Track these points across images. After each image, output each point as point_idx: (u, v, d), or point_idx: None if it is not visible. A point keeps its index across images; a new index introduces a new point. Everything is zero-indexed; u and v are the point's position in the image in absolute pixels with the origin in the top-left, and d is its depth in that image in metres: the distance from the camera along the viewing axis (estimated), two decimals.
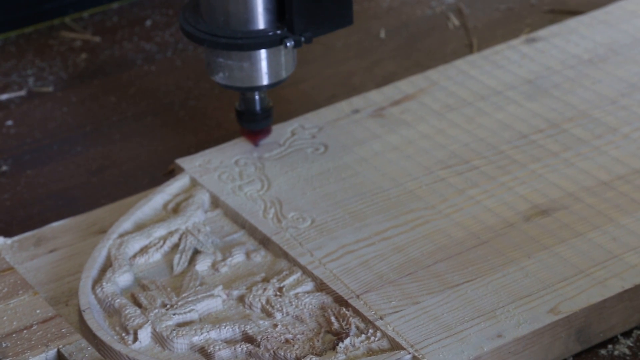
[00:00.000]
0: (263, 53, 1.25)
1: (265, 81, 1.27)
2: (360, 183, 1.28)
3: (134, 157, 1.40)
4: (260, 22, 1.24)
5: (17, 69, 1.55)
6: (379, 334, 1.11)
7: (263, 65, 1.26)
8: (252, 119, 1.30)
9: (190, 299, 1.15)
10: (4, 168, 1.39)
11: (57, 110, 1.48)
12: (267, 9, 1.23)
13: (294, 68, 1.28)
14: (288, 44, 1.24)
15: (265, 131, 1.32)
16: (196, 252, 1.22)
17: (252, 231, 1.24)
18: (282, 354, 1.10)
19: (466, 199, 1.25)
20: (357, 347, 1.10)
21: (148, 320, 1.13)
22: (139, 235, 1.23)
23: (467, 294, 1.14)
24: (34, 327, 1.13)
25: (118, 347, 1.11)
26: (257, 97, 1.29)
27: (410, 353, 1.09)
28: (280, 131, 1.35)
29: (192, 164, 1.31)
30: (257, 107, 1.30)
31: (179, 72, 1.53)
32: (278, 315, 1.14)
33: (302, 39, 1.24)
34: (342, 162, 1.31)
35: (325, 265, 1.18)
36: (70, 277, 1.21)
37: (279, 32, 1.24)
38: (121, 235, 1.23)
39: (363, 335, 1.11)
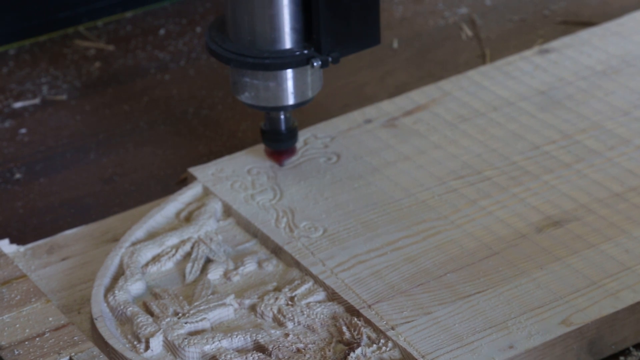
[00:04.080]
0: (289, 73, 1.24)
1: (291, 101, 1.26)
2: (373, 193, 1.28)
3: (146, 165, 1.41)
4: (287, 42, 1.24)
5: (32, 77, 1.55)
6: (390, 344, 1.11)
7: (289, 85, 1.25)
8: (277, 138, 1.30)
9: (202, 307, 1.15)
10: (18, 176, 1.40)
11: (71, 119, 1.48)
12: (294, 29, 1.23)
13: (320, 88, 1.28)
14: (315, 64, 1.23)
15: (290, 151, 1.31)
16: (208, 261, 1.22)
17: (264, 240, 1.24)
18: None
19: (478, 209, 1.25)
20: (368, 357, 1.10)
21: (160, 329, 1.13)
22: (151, 243, 1.23)
23: (478, 305, 1.14)
24: (47, 335, 1.13)
25: (130, 355, 1.11)
26: (282, 116, 1.29)
27: None
28: None
29: (204, 173, 1.32)
30: (283, 126, 1.29)
31: (192, 81, 1.54)
32: (289, 325, 1.14)
33: (329, 59, 1.23)
34: (354, 172, 1.31)
35: (337, 275, 1.18)
36: (83, 285, 1.22)
37: (305, 52, 1.23)
38: (134, 244, 1.23)
39: (374, 345, 1.11)
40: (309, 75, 1.26)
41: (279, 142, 1.30)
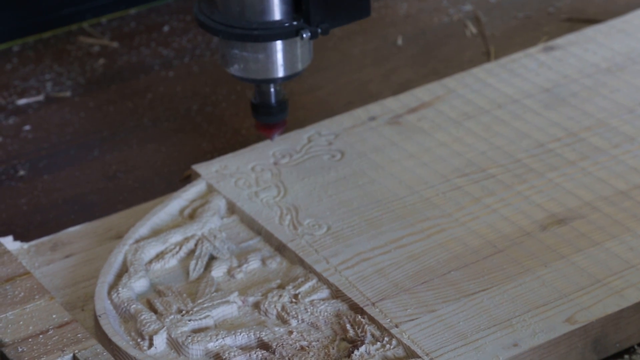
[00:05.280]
0: (279, 44, 1.24)
1: (280, 73, 1.25)
2: (377, 190, 1.28)
3: (150, 162, 1.41)
4: (276, 13, 1.23)
5: (35, 74, 1.55)
6: (394, 341, 1.11)
7: (279, 57, 1.24)
8: (267, 112, 1.29)
9: (205, 305, 1.15)
10: (21, 173, 1.40)
11: (75, 115, 1.48)
12: (283, 0, 1.23)
13: (310, 60, 1.27)
14: (304, 36, 1.22)
15: (280, 124, 1.30)
16: (212, 258, 1.22)
17: (268, 238, 1.24)
18: None
19: (482, 207, 1.25)
20: (372, 354, 1.10)
21: (163, 326, 1.13)
22: (155, 240, 1.23)
23: (483, 303, 1.14)
24: (50, 332, 1.13)
25: (133, 352, 1.11)
26: (272, 89, 1.28)
27: None
28: (297, 138, 1.35)
29: (208, 170, 1.31)
30: (273, 99, 1.28)
31: (196, 78, 1.54)
32: (293, 322, 1.14)
33: (319, 30, 1.22)
34: (358, 169, 1.31)
35: (340, 273, 1.18)
36: (86, 282, 1.22)
37: (295, 23, 1.23)
38: (137, 241, 1.23)
39: (378, 343, 1.11)
40: (298, 47, 1.25)
41: (269, 116, 1.29)
